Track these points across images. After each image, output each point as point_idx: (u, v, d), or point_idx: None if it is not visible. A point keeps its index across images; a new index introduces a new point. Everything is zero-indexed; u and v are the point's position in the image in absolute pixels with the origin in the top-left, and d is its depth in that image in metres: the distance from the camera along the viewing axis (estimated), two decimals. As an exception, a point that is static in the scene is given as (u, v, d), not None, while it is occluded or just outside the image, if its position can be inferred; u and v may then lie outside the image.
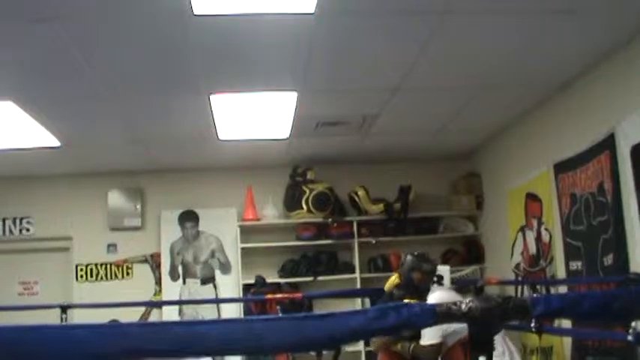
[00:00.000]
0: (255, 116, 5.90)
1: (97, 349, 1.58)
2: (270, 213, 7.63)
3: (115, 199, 7.67)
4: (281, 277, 7.50)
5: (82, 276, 7.58)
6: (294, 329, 1.73)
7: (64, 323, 5.46)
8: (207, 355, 1.75)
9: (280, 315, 5.34)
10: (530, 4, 3.84)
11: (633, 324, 1.87)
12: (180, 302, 7.52)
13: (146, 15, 3.75)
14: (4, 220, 7.57)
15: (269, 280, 7.31)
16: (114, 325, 1.64)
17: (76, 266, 7.59)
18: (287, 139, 6.60)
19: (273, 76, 4.93)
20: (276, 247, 7.58)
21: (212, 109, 5.50)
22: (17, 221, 7.58)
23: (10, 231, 7.58)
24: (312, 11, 3.76)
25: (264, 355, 4.98)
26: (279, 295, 6.28)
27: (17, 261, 7.63)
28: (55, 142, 6.19)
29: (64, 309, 5.75)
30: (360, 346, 7.07)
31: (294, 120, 5.96)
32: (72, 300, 7.13)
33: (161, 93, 5.18)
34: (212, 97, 5.25)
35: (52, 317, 5.73)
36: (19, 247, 7.60)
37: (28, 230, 7.59)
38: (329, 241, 7.53)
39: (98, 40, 4.06)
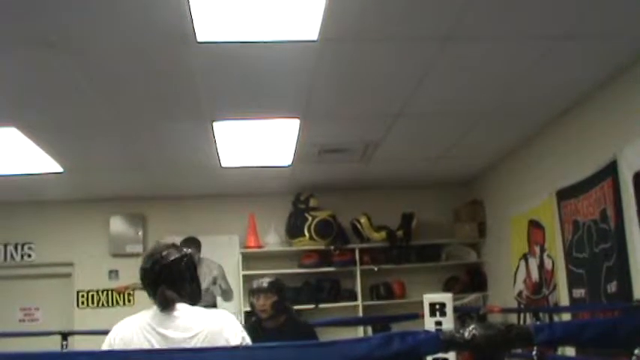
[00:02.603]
0: (258, 143, 5.91)
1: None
2: (273, 240, 7.62)
3: (117, 225, 7.67)
4: (283, 304, 7.46)
5: (83, 302, 7.56)
6: (297, 357, 1.72)
7: (64, 350, 5.44)
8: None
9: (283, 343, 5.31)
10: (531, 30, 3.86)
11: (637, 351, 1.86)
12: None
13: (150, 42, 3.77)
14: (5, 246, 7.57)
15: (271, 307, 7.27)
16: (117, 351, 1.64)
17: (78, 292, 7.57)
18: (289, 166, 6.61)
19: (276, 103, 4.94)
20: (278, 274, 7.53)
21: (215, 136, 5.51)
22: (19, 247, 7.58)
23: (12, 257, 7.57)
24: (316, 38, 3.78)
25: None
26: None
27: (18, 287, 7.62)
28: (57, 168, 6.20)
29: (65, 336, 5.74)
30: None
31: (296, 147, 5.97)
32: (73, 326, 7.09)
33: (164, 119, 5.20)
34: (215, 124, 5.26)
35: (52, 344, 5.71)
36: (20, 272, 7.59)
37: (29, 256, 7.58)
38: (331, 269, 7.51)
39: (101, 66, 4.07)
